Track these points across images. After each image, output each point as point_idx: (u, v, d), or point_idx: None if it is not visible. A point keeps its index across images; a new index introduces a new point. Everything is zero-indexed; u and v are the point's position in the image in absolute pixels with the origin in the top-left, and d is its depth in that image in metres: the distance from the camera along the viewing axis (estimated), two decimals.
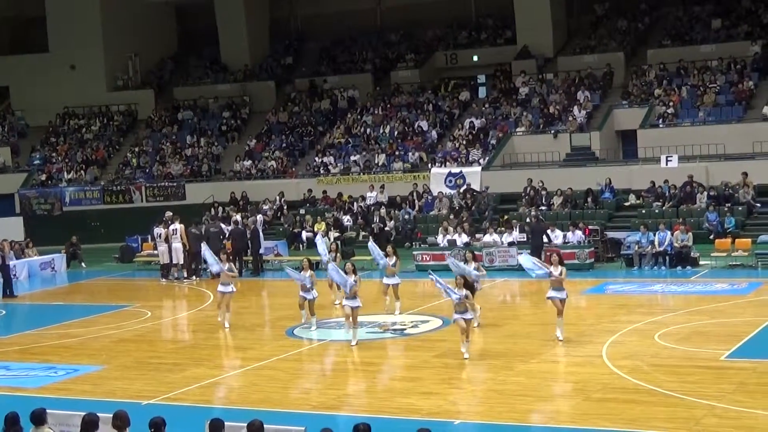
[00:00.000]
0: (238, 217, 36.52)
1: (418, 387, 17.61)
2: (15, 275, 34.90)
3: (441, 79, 48.74)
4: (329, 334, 22.67)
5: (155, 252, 34.48)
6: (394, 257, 24.86)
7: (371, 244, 26.42)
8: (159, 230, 33.44)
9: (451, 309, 20.04)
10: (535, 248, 30.16)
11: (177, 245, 32.89)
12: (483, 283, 23.90)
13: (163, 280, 33.15)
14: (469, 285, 20.04)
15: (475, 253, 25.87)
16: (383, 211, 38.68)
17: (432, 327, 23.10)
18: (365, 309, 24.49)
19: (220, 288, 24.18)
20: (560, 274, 20.50)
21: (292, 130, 47.78)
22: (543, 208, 36.83)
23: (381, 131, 45.30)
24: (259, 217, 35.78)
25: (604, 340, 20.47)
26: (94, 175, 47.93)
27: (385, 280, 24.82)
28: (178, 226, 33.12)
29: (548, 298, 20.90)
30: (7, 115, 53.31)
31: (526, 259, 22.24)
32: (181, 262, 33.03)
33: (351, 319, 21.30)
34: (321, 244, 27.85)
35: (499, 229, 33.33)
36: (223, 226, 34.94)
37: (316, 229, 38.38)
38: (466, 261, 23.09)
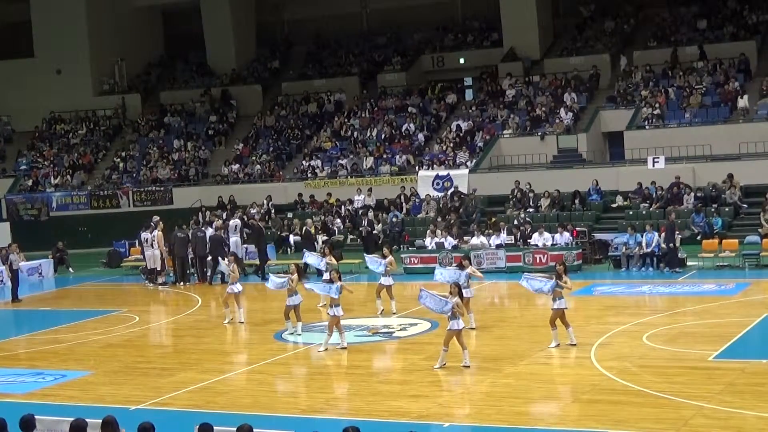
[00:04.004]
0: (219, 221, 36.32)
1: (407, 390, 17.60)
2: (2, 281, 34.87)
3: (428, 81, 48.78)
4: (317, 338, 22.60)
5: (142, 257, 34.41)
6: (390, 256, 25.25)
7: (368, 259, 26.42)
8: (146, 234, 33.38)
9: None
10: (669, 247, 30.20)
11: (156, 251, 32.91)
12: (473, 285, 23.83)
13: (150, 284, 33.08)
14: (460, 292, 19.90)
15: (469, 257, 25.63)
16: (371, 214, 38.67)
17: (421, 330, 23.09)
18: (354, 312, 24.53)
19: (228, 289, 25.21)
20: (566, 283, 20.15)
21: (280, 133, 47.77)
22: (531, 209, 36.89)
23: (368, 134, 45.31)
24: (233, 222, 35.52)
25: (593, 341, 20.48)
26: (81, 180, 47.83)
27: (383, 281, 24.99)
28: (156, 232, 33.07)
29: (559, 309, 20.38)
30: None
31: (529, 283, 21.19)
32: (158, 267, 33.05)
33: (329, 326, 21.25)
34: (310, 257, 28.16)
35: (486, 231, 33.33)
36: (209, 230, 34.83)
37: (304, 233, 38.31)
38: (462, 267, 23.02)
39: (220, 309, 26.36)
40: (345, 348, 21.09)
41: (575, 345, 20.08)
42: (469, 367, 18.73)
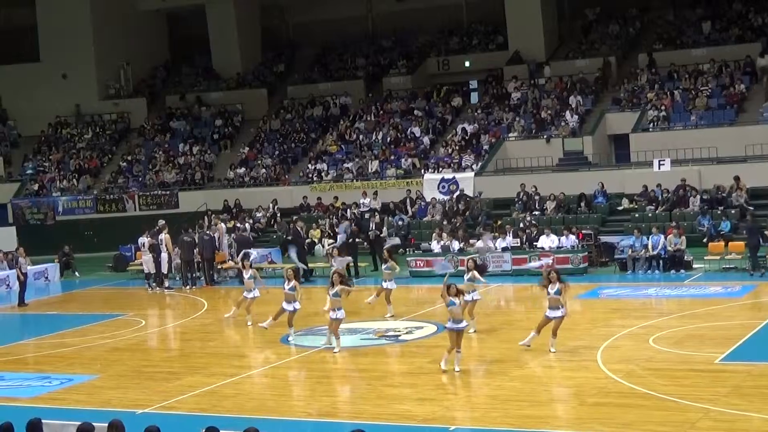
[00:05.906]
0: (222, 224, 36.41)
1: (414, 393, 17.60)
2: (9, 285, 34.92)
3: (433, 85, 48.77)
4: (323, 342, 22.59)
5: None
6: (391, 261, 25.26)
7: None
8: (143, 239, 33.37)
9: (444, 315, 19.98)
10: (752, 248, 29.58)
11: (163, 255, 32.93)
12: (479, 288, 23.77)
13: (149, 289, 33.05)
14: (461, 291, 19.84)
15: (477, 262, 25.18)
16: (377, 217, 38.64)
17: (426, 333, 23.09)
18: (360, 316, 24.53)
19: (244, 294, 25.36)
20: (556, 292, 19.80)
21: (285, 137, 47.80)
22: (536, 212, 36.87)
23: (374, 138, 45.31)
24: (247, 224, 35.79)
25: (599, 344, 20.48)
26: (87, 184, 47.89)
27: (386, 285, 25.02)
28: (163, 236, 33.08)
29: (546, 317, 20.15)
30: None
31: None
32: (164, 271, 33.07)
33: (334, 330, 21.44)
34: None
35: (492, 234, 33.31)
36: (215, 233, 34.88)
37: (311, 236, 38.38)
38: (467, 269, 22.95)
39: (225, 312, 26.42)
40: (337, 353, 21.15)
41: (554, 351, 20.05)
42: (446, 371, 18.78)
